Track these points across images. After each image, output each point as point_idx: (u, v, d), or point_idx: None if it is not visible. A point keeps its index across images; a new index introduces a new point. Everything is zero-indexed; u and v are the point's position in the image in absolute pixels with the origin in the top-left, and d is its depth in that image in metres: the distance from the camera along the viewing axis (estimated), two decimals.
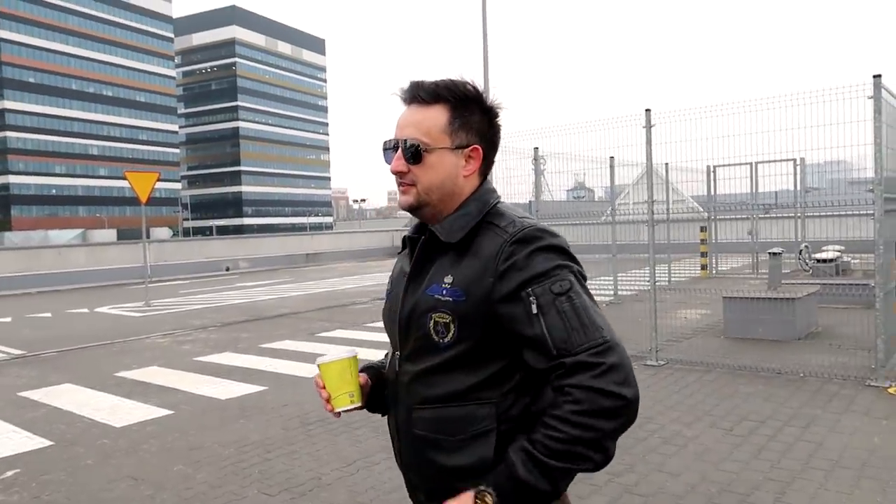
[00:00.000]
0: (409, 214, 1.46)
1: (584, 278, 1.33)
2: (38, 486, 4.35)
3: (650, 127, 7.08)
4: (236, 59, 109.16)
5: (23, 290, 19.24)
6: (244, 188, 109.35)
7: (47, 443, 5.23)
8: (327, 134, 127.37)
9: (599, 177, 11.94)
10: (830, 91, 6.12)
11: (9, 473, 4.59)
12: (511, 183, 9.66)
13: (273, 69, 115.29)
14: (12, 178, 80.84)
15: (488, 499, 1.23)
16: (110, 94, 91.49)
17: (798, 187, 13.64)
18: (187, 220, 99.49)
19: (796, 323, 7.78)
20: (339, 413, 1.49)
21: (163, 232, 77.09)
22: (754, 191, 13.08)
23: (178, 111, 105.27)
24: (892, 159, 6.40)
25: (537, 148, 9.52)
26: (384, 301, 1.56)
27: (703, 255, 15.32)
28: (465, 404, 1.32)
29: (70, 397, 6.66)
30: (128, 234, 68.22)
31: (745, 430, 4.80)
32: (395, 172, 1.40)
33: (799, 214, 14.16)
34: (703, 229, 15.15)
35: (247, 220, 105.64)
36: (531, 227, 1.33)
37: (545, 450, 1.20)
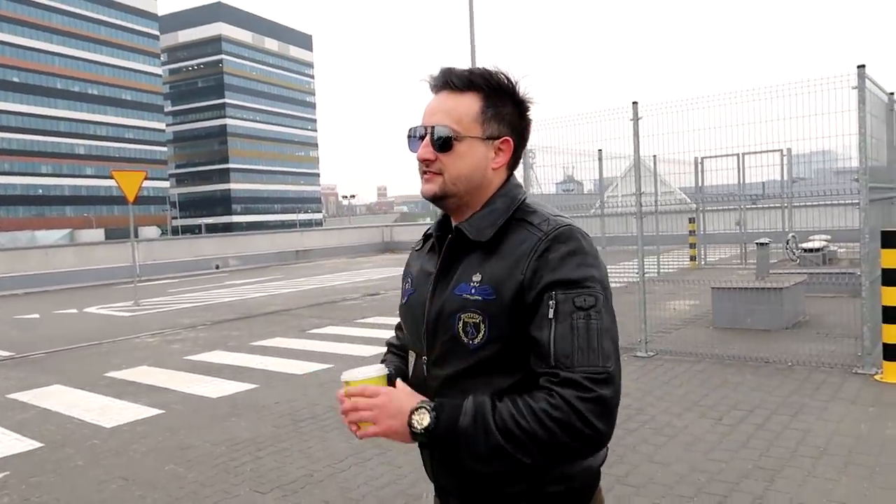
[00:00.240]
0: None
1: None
2: (27, 488, 4.32)
3: (637, 120, 7.11)
4: (223, 56, 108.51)
5: (10, 292, 19.08)
6: (233, 186, 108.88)
7: (37, 445, 5.20)
8: (316, 130, 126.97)
9: (588, 170, 11.97)
10: (816, 81, 6.16)
11: None
12: None
13: (260, 66, 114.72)
14: None
15: (424, 418, 1.21)
16: (96, 92, 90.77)
17: (785, 177, 13.72)
18: (176, 218, 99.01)
19: (784, 312, 7.85)
20: (363, 436, 1.36)
21: (151, 231, 76.70)
22: (742, 182, 13.15)
23: (165, 109, 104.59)
24: (877, 149, 6.45)
25: None
26: (402, 300, 1.50)
27: (692, 246, 15.39)
28: None
29: (59, 398, 6.62)
30: (116, 234, 67.79)
31: (735, 420, 4.84)
32: (422, 160, 1.35)
33: (786, 205, 14.25)
34: (691, 220, 15.21)
35: (236, 218, 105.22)
36: (566, 227, 1.28)
37: (501, 423, 1.17)
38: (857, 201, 6.00)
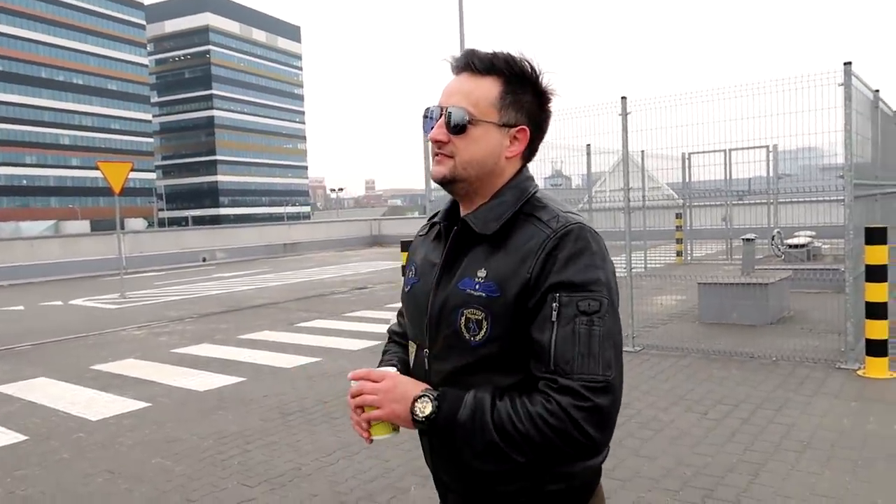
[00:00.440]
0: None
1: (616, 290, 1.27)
2: (12, 481, 4.29)
3: (626, 114, 7.13)
4: (210, 47, 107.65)
5: None
6: (220, 178, 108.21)
7: (22, 437, 5.16)
8: (304, 122, 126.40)
9: (577, 164, 12.01)
10: (802, 78, 6.20)
11: None
12: None
13: (248, 57, 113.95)
14: None
15: (427, 406, 1.22)
16: (81, 82, 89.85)
17: (771, 174, 13.84)
18: (162, 210, 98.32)
19: (769, 308, 7.92)
20: (373, 440, 1.34)
21: (138, 223, 76.11)
22: (728, 178, 13.24)
23: (152, 100, 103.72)
24: (862, 146, 6.51)
25: None
26: (405, 288, 1.47)
27: (679, 241, 15.49)
28: None
29: (45, 391, 6.57)
30: (102, 225, 67.21)
31: (720, 414, 4.88)
32: (435, 141, 1.31)
33: (771, 201, 14.37)
34: (678, 216, 15.31)
35: (223, 211, 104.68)
36: (576, 224, 1.25)
37: (498, 421, 1.16)
38: (842, 198, 6.06)
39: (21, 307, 13.81)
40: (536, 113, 1.33)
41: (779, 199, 13.97)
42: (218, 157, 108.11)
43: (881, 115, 7.94)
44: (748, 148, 11.12)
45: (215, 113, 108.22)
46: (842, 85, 5.83)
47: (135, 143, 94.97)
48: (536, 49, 1.31)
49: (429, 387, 1.28)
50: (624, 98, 7.16)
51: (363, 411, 1.30)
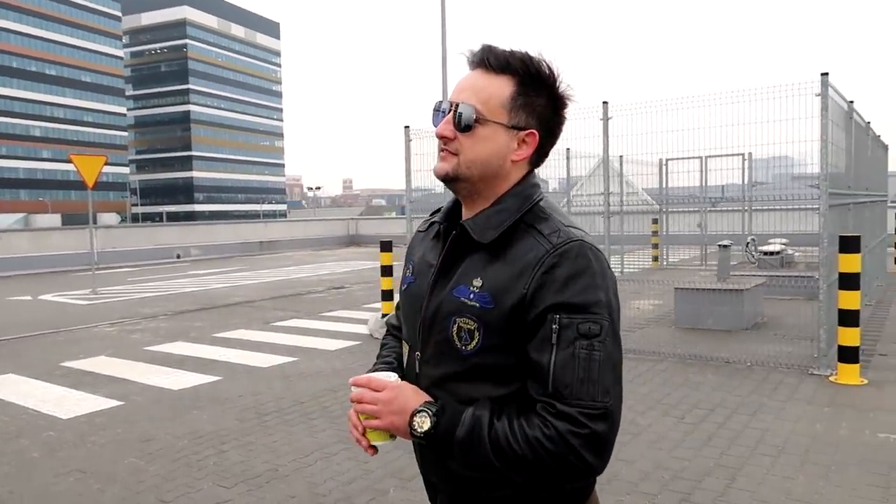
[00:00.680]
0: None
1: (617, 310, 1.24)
2: None
3: (607, 119, 7.18)
4: (187, 41, 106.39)
5: None
6: (195, 174, 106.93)
7: None
8: (281, 120, 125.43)
9: (555, 168, 12.07)
10: (779, 88, 6.30)
11: None
12: None
13: (226, 52, 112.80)
14: None
15: (425, 422, 1.20)
16: (53, 73, 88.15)
17: (745, 181, 14.04)
18: (136, 205, 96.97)
19: (744, 314, 8.03)
20: (374, 448, 1.32)
21: (110, 218, 74.95)
22: (704, 184, 13.41)
23: (127, 93, 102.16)
24: (836, 155, 6.63)
25: None
26: (402, 286, 1.44)
27: (655, 246, 15.64)
28: None
29: (13, 388, 6.43)
30: (73, 220, 65.98)
31: (696, 418, 4.93)
32: (440, 137, 1.28)
33: (746, 208, 14.58)
34: (654, 221, 15.46)
35: (198, 207, 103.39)
36: (577, 241, 1.20)
37: (495, 442, 1.15)
38: (816, 207, 6.16)
39: None
40: (549, 117, 1.29)
41: (753, 207, 14.17)
42: (194, 153, 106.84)
43: (855, 126, 8.10)
44: (724, 155, 11.30)
45: (191, 108, 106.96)
46: (819, 95, 5.92)
47: (108, 137, 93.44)
48: (519, 46, 1.28)
49: (429, 399, 1.26)
50: (605, 103, 7.22)
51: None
